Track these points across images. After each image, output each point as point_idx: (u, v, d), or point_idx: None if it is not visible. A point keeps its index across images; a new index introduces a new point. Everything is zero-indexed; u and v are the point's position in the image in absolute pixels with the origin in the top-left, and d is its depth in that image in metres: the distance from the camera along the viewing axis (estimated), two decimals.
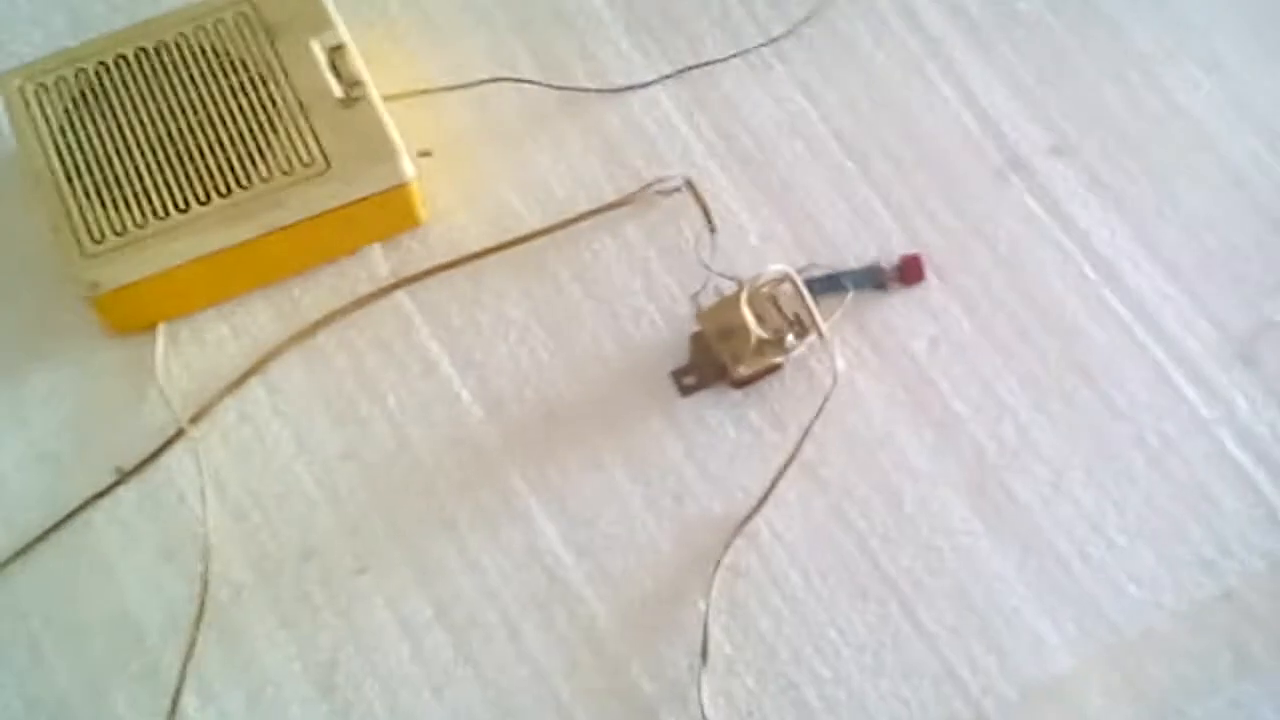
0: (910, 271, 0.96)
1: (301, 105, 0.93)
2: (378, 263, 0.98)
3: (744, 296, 0.88)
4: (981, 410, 0.92)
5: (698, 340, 0.92)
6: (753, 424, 0.93)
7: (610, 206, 0.99)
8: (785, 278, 0.90)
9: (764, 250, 0.97)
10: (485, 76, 1.04)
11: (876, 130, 1.01)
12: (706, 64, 1.05)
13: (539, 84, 1.04)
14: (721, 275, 0.92)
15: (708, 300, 0.92)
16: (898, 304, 0.96)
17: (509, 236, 0.98)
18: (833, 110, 1.02)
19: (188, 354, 0.96)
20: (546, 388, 0.94)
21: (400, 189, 0.93)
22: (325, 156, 0.91)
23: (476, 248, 0.98)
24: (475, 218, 1.00)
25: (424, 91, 1.03)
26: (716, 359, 0.90)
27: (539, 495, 0.91)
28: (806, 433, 0.90)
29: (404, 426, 0.93)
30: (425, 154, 0.99)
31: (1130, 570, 0.87)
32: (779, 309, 0.91)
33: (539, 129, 1.02)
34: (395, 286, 0.97)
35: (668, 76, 1.04)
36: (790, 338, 0.89)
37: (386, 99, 0.98)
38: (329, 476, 0.91)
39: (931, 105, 1.02)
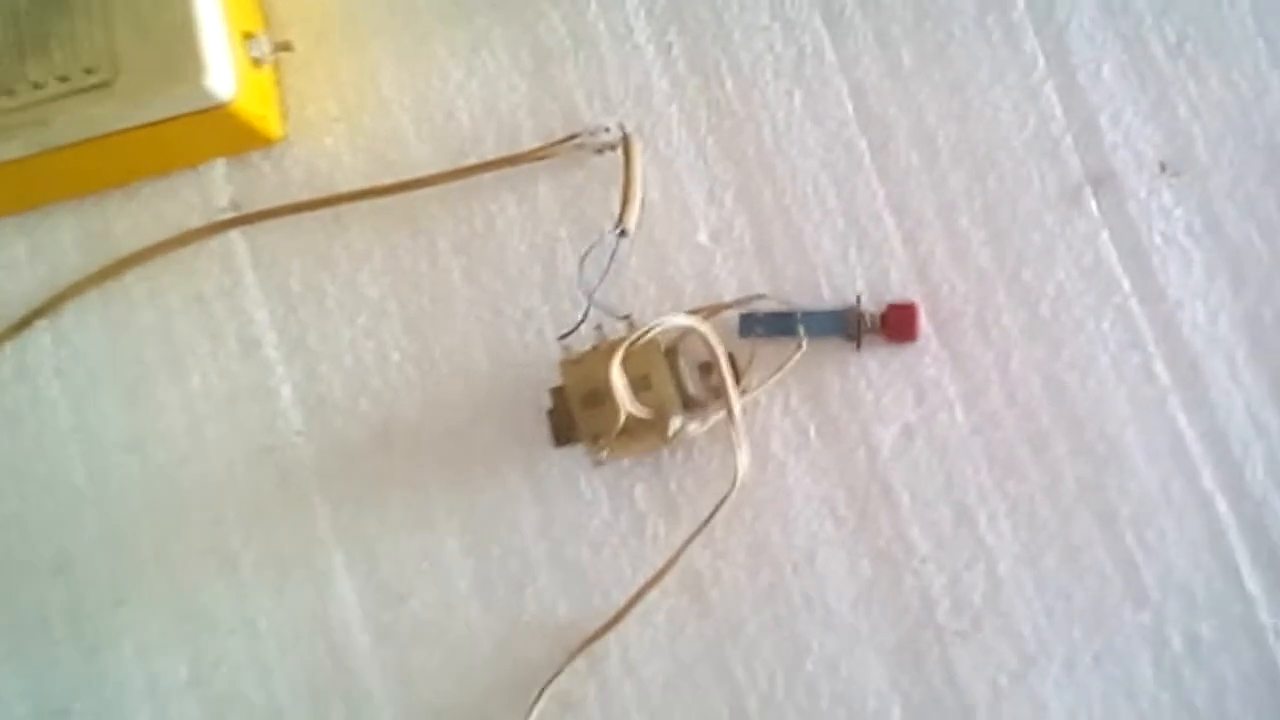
0: (897, 324, 0.74)
1: None
2: (217, 186, 0.82)
3: (617, 358, 0.70)
4: (946, 547, 0.73)
5: (559, 398, 0.75)
6: (636, 504, 0.76)
7: (522, 158, 0.79)
8: (694, 330, 0.72)
9: (712, 255, 0.76)
10: None
11: (915, 96, 0.76)
12: None
13: None
14: (606, 311, 0.73)
15: (585, 342, 0.73)
16: (872, 368, 0.75)
17: (388, 175, 0.80)
18: (861, 53, 0.77)
19: None
20: (388, 400, 0.78)
21: (217, 111, 0.76)
22: (114, 62, 0.74)
23: (343, 184, 0.80)
24: (351, 141, 0.81)
25: None
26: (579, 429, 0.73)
27: (347, 549, 0.77)
28: (698, 532, 0.73)
29: (203, 421, 0.79)
30: (285, 47, 0.81)
31: None
32: (680, 370, 0.72)
33: (457, 26, 0.81)
34: (230, 224, 0.81)
35: None
36: (676, 420, 0.71)
37: None
38: (104, 469, 0.79)
39: (1004, 71, 0.76)
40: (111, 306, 0.81)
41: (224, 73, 0.74)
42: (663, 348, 0.72)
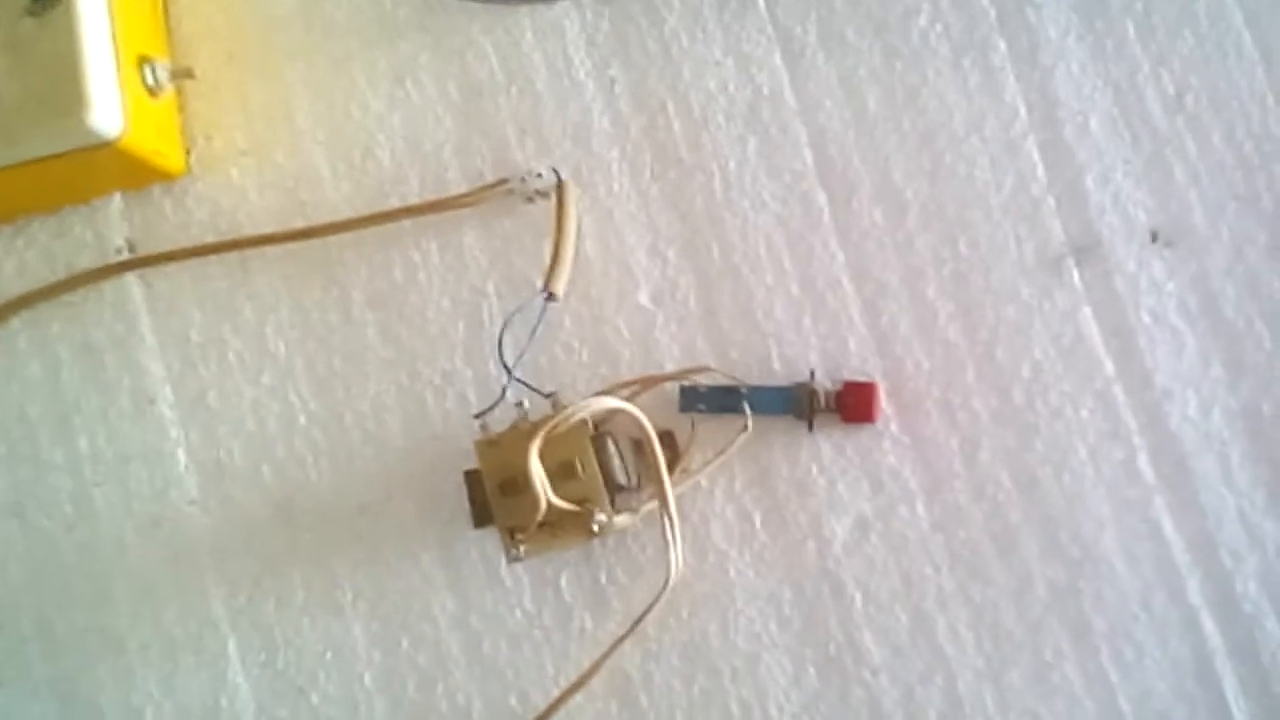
0: (854, 404, 0.66)
1: None
2: (113, 224, 0.74)
3: (535, 444, 0.63)
4: (902, 654, 0.66)
5: (475, 483, 0.68)
6: (562, 595, 0.69)
7: (447, 203, 0.72)
8: (626, 412, 0.65)
9: (653, 318, 0.69)
10: None
11: (881, 147, 0.69)
12: None
13: None
14: (528, 386, 0.67)
15: (505, 420, 0.66)
16: (826, 452, 0.67)
17: (299, 216, 0.72)
18: (824, 96, 0.70)
19: None
20: (293, 469, 0.71)
21: (105, 148, 0.68)
22: None
23: (250, 225, 0.73)
24: (260, 176, 0.73)
25: None
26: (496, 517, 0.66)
27: (241, 633, 0.70)
28: (628, 633, 0.67)
29: (90, 485, 0.72)
30: (186, 74, 0.73)
31: None
32: (609, 454, 0.65)
33: (378, 51, 0.73)
34: (126, 266, 0.74)
35: None
36: (602, 515, 0.64)
37: None
38: None
39: (981, 121, 0.68)
40: None
41: (110, 107, 0.67)
42: (591, 428, 0.65)
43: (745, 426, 0.67)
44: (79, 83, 0.66)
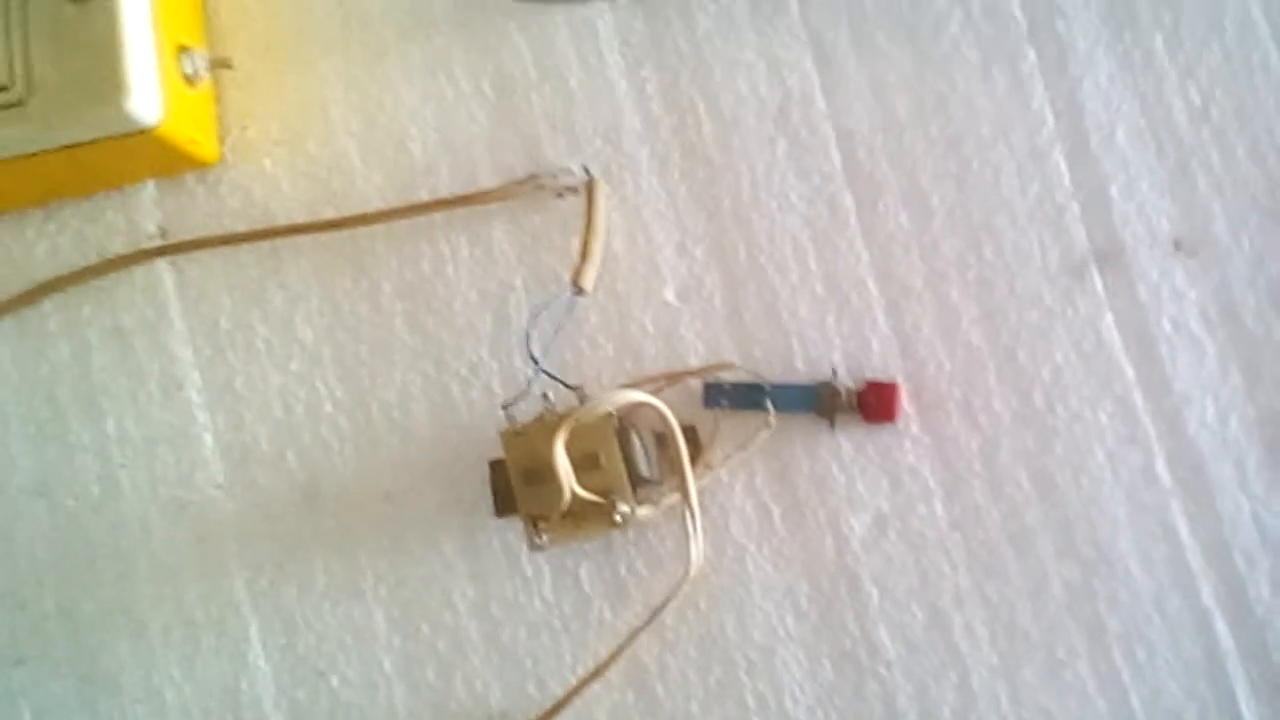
0: (876, 404, 0.68)
1: None
2: (145, 210, 0.76)
3: (561, 435, 0.64)
4: (917, 650, 0.67)
5: (499, 471, 0.69)
6: (581, 585, 0.70)
7: (477, 197, 0.73)
8: (649, 406, 0.66)
9: (679, 314, 0.71)
10: None
11: (909, 151, 0.70)
12: None
13: None
14: (554, 378, 0.68)
15: (530, 412, 0.67)
16: (846, 450, 0.69)
17: (331, 206, 0.74)
18: (853, 100, 0.71)
19: None
20: (318, 456, 0.73)
21: (142, 134, 0.70)
22: (28, 79, 0.68)
23: (282, 214, 0.75)
24: (292, 166, 0.75)
25: None
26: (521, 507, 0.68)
27: (263, 616, 0.72)
28: (647, 625, 0.68)
29: (118, 467, 0.74)
30: (223, 64, 0.75)
31: None
32: (633, 447, 0.66)
33: (413, 44, 0.76)
34: (158, 252, 0.76)
35: None
36: (625, 506, 0.66)
37: None
38: (8, 514, 0.74)
39: (1009, 129, 0.69)
40: (25, 339, 0.75)
41: (149, 94, 0.68)
42: (615, 421, 0.67)
43: (767, 423, 0.68)
44: (119, 70, 0.68)
